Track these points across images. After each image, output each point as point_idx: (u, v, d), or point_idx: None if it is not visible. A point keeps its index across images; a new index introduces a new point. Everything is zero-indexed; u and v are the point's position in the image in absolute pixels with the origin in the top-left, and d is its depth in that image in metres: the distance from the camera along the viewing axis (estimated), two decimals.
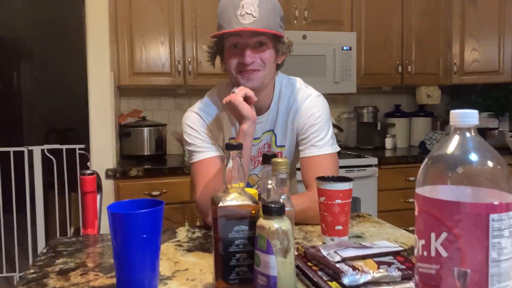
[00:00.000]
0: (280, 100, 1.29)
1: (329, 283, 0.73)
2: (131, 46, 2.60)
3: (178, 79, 2.68)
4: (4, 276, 2.93)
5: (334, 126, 1.29)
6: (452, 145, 0.59)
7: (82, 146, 2.76)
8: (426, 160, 0.62)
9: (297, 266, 0.79)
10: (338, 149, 1.29)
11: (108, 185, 2.32)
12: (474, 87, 3.31)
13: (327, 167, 1.21)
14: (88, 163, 2.48)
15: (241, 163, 0.78)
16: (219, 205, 0.74)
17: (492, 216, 0.54)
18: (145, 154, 2.69)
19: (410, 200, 2.68)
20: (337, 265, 0.75)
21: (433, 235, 0.57)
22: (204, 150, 1.25)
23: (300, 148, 1.28)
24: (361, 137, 3.16)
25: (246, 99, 1.15)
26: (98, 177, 1.21)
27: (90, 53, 2.41)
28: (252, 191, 0.86)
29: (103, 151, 2.42)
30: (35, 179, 2.75)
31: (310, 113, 1.27)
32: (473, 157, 0.58)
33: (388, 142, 3.08)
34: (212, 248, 0.77)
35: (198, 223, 2.33)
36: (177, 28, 2.65)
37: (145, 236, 0.75)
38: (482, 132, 3.08)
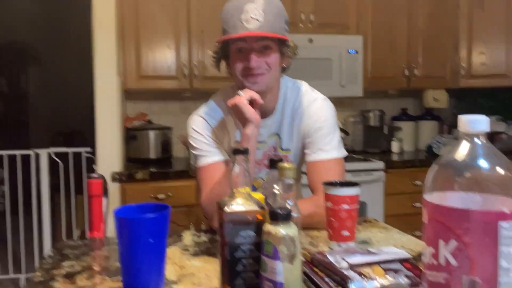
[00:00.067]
0: (286, 103, 1.29)
1: None
2: (137, 50, 2.61)
3: (184, 82, 2.69)
4: (11, 277, 2.95)
5: (340, 129, 1.29)
6: (461, 151, 0.59)
7: (88, 149, 2.77)
8: (434, 165, 0.61)
9: (303, 272, 0.78)
10: (345, 153, 1.28)
11: (114, 188, 2.33)
12: (482, 91, 3.28)
13: (333, 172, 1.20)
14: (94, 166, 2.49)
15: (248, 168, 0.78)
16: (225, 210, 0.74)
17: (502, 224, 0.53)
18: (151, 157, 2.70)
19: (417, 204, 2.66)
20: (344, 271, 0.74)
21: (442, 242, 0.56)
22: (209, 154, 1.25)
23: (306, 151, 1.28)
24: (367, 140, 3.14)
25: (252, 102, 1.15)
26: (105, 180, 1.21)
27: (97, 56, 2.42)
28: (258, 195, 0.86)
29: (109, 154, 2.43)
30: (41, 181, 2.77)
31: (316, 117, 1.26)
32: (483, 163, 0.57)
33: (395, 146, 3.07)
34: (218, 253, 0.77)
35: (203, 227, 2.33)
36: (183, 32, 2.66)
37: (151, 240, 0.75)
38: (490, 136, 3.03)
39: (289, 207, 0.79)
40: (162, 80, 2.67)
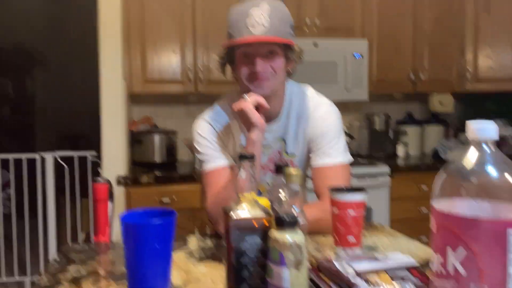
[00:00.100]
0: (291, 108, 1.29)
1: None
2: (143, 54, 2.62)
3: (189, 86, 2.70)
4: (16, 280, 2.96)
5: (345, 133, 1.29)
6: (469, 158, 0.58)
7: (93, 153, 2.78)
8: (442, 173, 0.61)
9: (310, 279, 0.78)
10: (351, 159, 1.28)
11: (119, 192, 2.33)
12: (488, 94, 3.26)
13: (339, 177, 1.20)
14: (100, 170, 2.50)
15: (254, 174, 0.78)
16: (231, 216, 0.74)
17: (511, 231, 0.53)
18: (156, 161, 2.70)
19: (424, 209, 2.64)
20: (351, 278, 0.74)
21: (450, 250, 0.56)
22: (214, 158, 1.26)
23: (312, 156, 1.27)
24: (372, 144, 3.13)
25: (257, 106, 1.15)
26: (111, 185, 1.22)
27: (103, 61, 2.43)
28: (264, 201, 0.86)
29: (114, 158, 2.43)
30: (47, 185, 2.78)
31: (322, 122, 1.26)
32: (491, 171, 0.56)
33: (400, 150, 3.05)
34: (224, 258, 0.77)
35: (208, 231, 2.33)
36: (188, 36, 2.67)
37: (157, 246, 0.75)
38: (496, 140, 3.02)
39: (295, 213, 0.78)
40: (167, 84, 2.68)
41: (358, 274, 0.75)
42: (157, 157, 2.70)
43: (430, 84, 3.04)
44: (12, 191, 2.91)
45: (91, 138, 5.58)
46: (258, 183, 1.25)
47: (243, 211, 0.74)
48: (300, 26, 2.73)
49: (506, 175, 0.56)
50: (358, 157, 2.98)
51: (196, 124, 1.31)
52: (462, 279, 0.54)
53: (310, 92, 1.33)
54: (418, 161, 2.91)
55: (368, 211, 2.48)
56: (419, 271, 0.79)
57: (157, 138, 2.71)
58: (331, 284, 0.77)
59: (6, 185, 3.68)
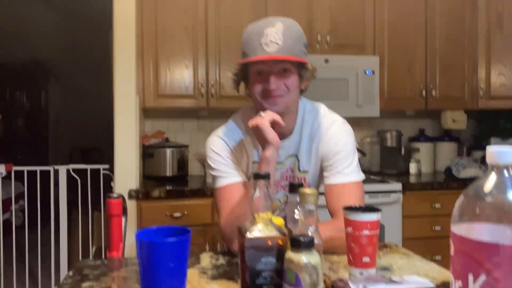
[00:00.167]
0: (304, 125, 1.30)
1: None
2: (156, 69, 2.66)
3: (201, 101, 2.72)
4: None
5: (357, 150, 1.30)
6: (489, 183, 0.58)
7: (106, 166, 2.81)
8: (461, 197, 0.60)
9: None
10: (363, 177, 1.28)
11: (130, 205, 2.34)
12: (502, 112, 3.23)
13: (353, 195, 1.20)
14: (112, 183, 2.52)
15: (269, 193, 0.78)
16: (246, 235, 0.74)
17: None
18: (167, 175, 2.72)
19: (437, 227, 2.60)
20: None
21: (471, 277, 0.55)
22: (227, 175, 1.26)
23: (325, 174, 1.27)
24: (384, 161, 3.11)
25: (272, 124, 1.15)
26: (124, 200, 1.23)
27: (117, 76, 2.47)
28: (279, 220, 0.86)
29: (126, 172, 2.45)
30: (60, 197, 2.81)
31: (335, 140, 1.26)
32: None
33: (413, 167, 3.02)
34: (239, 277, 0.76)
35: (219, 248, 2.32)
36: (201, 52, 2.71)
37: (172, 265, 0.75)
38: None
39: (310, 233, 0.78)
40: (179, 99, 2.70)
41: None
42: (169, 171, 2.72)
43: (442, 101, 3.02)
44: (25, 203, 2.94)
45: (103, 151, 5.66)
46: (272, 202, 1.25)
47: (259, 231, 0.74)
48: (311, 43, 2.75)
49: None
50: (370, 173, 2.96)
51: (209, 140, 1.32)
52: None
53: (323, 109, 1.33)
54: (431, 178, 2.88)
55: (380, 229, 2.45)
56: None
57: (168, 152, 2.73)
58: None
59: (19, 197, 3.73)
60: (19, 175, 2.87)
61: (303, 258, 0.68)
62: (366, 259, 0.96)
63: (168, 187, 2.45)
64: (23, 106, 5.85)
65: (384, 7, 2.93)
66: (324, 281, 0.85)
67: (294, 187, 0.88)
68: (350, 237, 0.97)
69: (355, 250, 0.97)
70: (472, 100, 3.05)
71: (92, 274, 1.01)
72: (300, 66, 1.21)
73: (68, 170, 2.84)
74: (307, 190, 0.81)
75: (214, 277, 0.98)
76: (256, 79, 1.20)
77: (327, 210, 1.24)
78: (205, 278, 0.98)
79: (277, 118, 1.15)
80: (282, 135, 1.25)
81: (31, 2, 5.63)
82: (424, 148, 3.14)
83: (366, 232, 0.95)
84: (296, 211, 0.86)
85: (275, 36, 1.14)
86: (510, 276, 0.52)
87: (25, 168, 2.83)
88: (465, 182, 2.69)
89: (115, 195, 1.19)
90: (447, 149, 3.19)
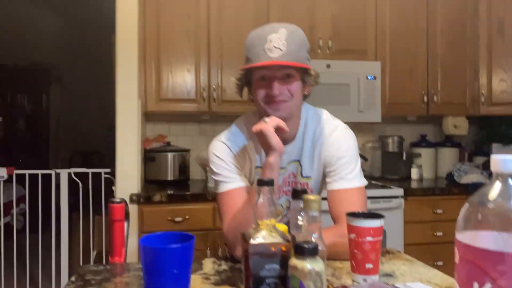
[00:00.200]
0: (306, 131, 1.30)
1: None
2: (158, 73, 2.67)
3: (203, 105, 2.72)
4: None
5: (359, 155, 1.32)
6: (494, 191, 0.58)
7: (107, 170, 2.81)
8: (466, 204, 0.61)
9: None
10: (366, 182, 1.28)
11: (132, 210, 2.34)
12: (503, 118, 3.23)
13: (356, 201, 1.20)
14: (113, 187, 2.52)
15: (273, 199, 0.78)
16: (250, 242, 0.73)
17: None
18: (169, 179, 2.72)
19: (439, 233, 2.60)
20: None
21: (476, 285, 0.55)
22: (230, 180, 1.26)
23: (328, 180, 1.27)
24: (386, 167, 3.11)
25: (276, 129, 1.15)
26: (126, 204, 1.22)
27: (119, 80, 2.47)
28: (283, 227, 0.86)
29: (128, 176, 2.45)
30: (61, 201, 2.81)
31: (338, 145, 1.27)
32: None
33: (414, 173, 3.02)
34: (243, 284, 0.76)
35: (220, 253, 2.32)
36: (203, 56, 2.71)
37: (176, 271, 0.75)
38: None
39: (314, 240, 0.78)
40: (181, 103, 2.71)
41: None
42: (170, 175, 2.72)
43: (443, 107, 3.03)
44: (26, 206, 2.94)
45: (104, 155, 5.66)
46: (277, 209, 1.25)
47: (262, 238, 0.74)
48: (313, 48, 2.76)
49: None
50: (371, 179, 2.96)
51: (212, 145, 1.32)
52: None
53: (326, 115, 1.34)
54: (432, 184, 2.88)
55: (383, 235, 2.45)
56: None
57: (170, 156, 2.73)
58: None
59: (19, 200, 3.72)
60: (19, 178, 2.87)
61: (307, 265, 0.68)
62: (369, 266, 0.96)
63: (169, 192, 2.45)
64: (24, 109, 5.87)
65: (385, 12, 2.94)
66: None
67: (297, 193, 0.89)
68: (353, 243, 0.97)
69: (358, 256, 0.97)
70: (473, 106, 3.06)
71: (95, 280, 1.01)
72: (304, 72, 1.22)
73: (69, 174, 2.84)
74: (311, 197, 0.81)
75: (217, 283, 0.98)
76: (259, 84, 1.21)
77: (329, 215, 1.24)
78: (208, 284, 0.98)
79: (282, 123, 1.15)
80: (285, 141, 1.25)
81: (34, 5, 5.66)
82: (425, 154, 3.14)
83: (369, 238, 0.95)
84: (299, 217, 0.86)
85: (278, 42, 1.15)
86: None
87: (27, 172, 2.83)
88: (467, 188, 2.69)
89: (117, 199, 1.19)
90: (448, 155, 3.19)
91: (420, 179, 3.03)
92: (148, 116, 2.93)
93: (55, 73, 6.02)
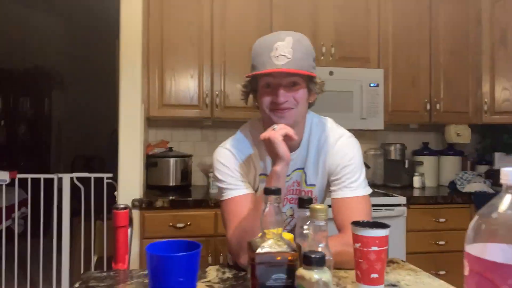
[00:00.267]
0: (311, 139, 1.30)
1: None
2: (161, 79, 2.68)
3: (205, 111, 2.73)
4: None
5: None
6: (504, 204, 0.58)
7: (110, 175, 2.81)
8: (476, 217, 0.60)
9: None
10: (371, 191, 1.28)
11: (133, 215, 2.33)
12: (506, 127, 3.23)
13: (360, 210, 1.19)
14: (115, 193, 2.51)
15: (279, 208, 0.78)
16: (257, 251, 0.73)
17: None
18: (170, 184, 2.71)
19: (441, 242, 2.59)
20: None
21: None
22: (235, 187, 1.25)
23: (332, 188, 1.27)
24: (388, 174, 3.11)
25: (284, 137, 1.15)
26: (130, 210, 1.22)
27: (123, 85, 2.48)
28: (289, 235, 0.85)
29: (130, 181, 2.45)
30: (63, 205, 2.81)
31: (343, 154, 1.26)
32: None
33: (416, 181, 3.02)
34: None
35: (221, 260, 2.30)
36: (206, 62, 2.72)
37: (181, 279, 0.75)
38: None
39: (320, 249, 0.78)
40: (184, 109, 2.71)
41: None
42: (172, 181, 2.72)
43: (446, 115, 3.03)
44: (27, 210, 2.93)
45: (105, 160, 5.67)
46: (284, 218, 1.24)
47: (269, 248, 0.74)
48: (316, 55, 2.72)
49: None
50: (373, 186, 2.95)
51: (216, 152, 1.32)
52: None
53: (330, 123, 1.34)
54: (435, 192, 2.87)
55: None
56: None
57: (172, 162, 2.73)
58: None
59: (20, 204, 3.72)
60: (19, 181, 2.87)
61: (315, 275, 0.67)
62: (374, 275, 0.95)
63: (171, 197, 2.44)
64: (26, 113, 5.87)
65: (388, 20, 2.95)
66: None
67: (303, 202, 0.88)
68: (358, 252, 0.97)
69: (363, 266, 0.96)
70: (476, 114, 3.06)
71: (99, 286, 1.00)
72: (309, 80, 1.22)
73: (71, 178, 2.84)
74: (318, 206, 0.80)
75: None
76: (265, 91, 1.21)
77: (334, 223, 1.23)
78: None
79: (291, 132, 1.14)
80: (289, 149, 1.24)
81: (37, 9, 5.69)
82: (428, 162, 3.14)
83: (374, 248, 0.94)
84: (305, 226, 0.86)
85: (284, 50, 1.15)
86: None
87: (29, 176, 2.83)
88: (469, 197, 2.68)
89: (121, 206, 1.19)
90: (451, 163, 3.19)
91: (422, 187, 3.02)
92: (150, 122, 2.94)
93: (57, 77, 6.03)
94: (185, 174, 2.79)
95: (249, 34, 2.66)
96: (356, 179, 1.24)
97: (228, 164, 1.27)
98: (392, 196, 2.63)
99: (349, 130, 1.33)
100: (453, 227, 2.61)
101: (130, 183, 2.45)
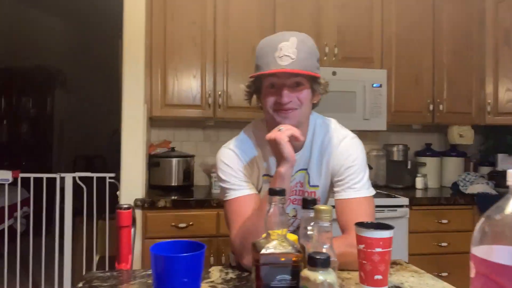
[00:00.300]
0: (314, 139, 1.29)
1: None
2: (164, 79, 2.68)
3: (208, 111, 2.73)
4: None
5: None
6: (510, 206, 0.57)
7: (112, 174, 2.81)
8: (482, 219, 0.60)
9: None
10: (374, 192, 1.27)
11: (136, 215, 2.33)
12: (509, 128, 3.22)
13: (364, 211, 1.19)
14: (118, 192, 2.51)
15: (284, 209, 0.77)
16: (262, 252, 0.73)
17: None
18: (173, 184, 2.72)
19: (444, 244, 2.58)
20: None
21: None
22: (238, 187, 1.25)
23: (336, 189, 1.27)
24: (390, 175, 3.10)
25: (290, 138, 1.14)
26: (133, 210, 1.22)
27: (126, 85, 2.48)
28: (293, 237, 0.85)
29: (133, 181, 2.45)
30: (65, 205, 2.81)
31: (346, 155, 1.26)
32: None
33: (419, 182, 3.01)
34: None
35: (223, 260, 2.30)
36: (209, 62, 2.72)
37: (186, 279, 0.75)
38: None
39: (325, 250, 0.77)
40: (186, 109, 2.71)
41: None
42: (174, 181, 2.72)
43: (449, 116, 3.02)
44: (29, 209, 2.94)
45: (107, 159, 5.68)
46: (288, 219, 1.24)
47: (274, 248, 0.73)
48: (319, 55, 2.76)
49: None
50: (375, 187, 2.93)
51: (220, 153, 1.32)
52: None
53: (334, 124, 1.33)
54: (437, 193, 2.86)
55: None
56: None
57: (174, 162, 2.73)
58: None
59: (22, 203, 3.73)
60: (22, 181, 2.88)
61: (319, 276, 0.67)
62: (378, 277, 0.95)
63: (174, 197, 2.44)
64: (28, 112, 5.88)
65: (391, 20, 2.94)
66: None
67: (307, 203, 0.88)
68: (362, 254, 0.96)
69: (367, 267, 0.96)
70: (479, 115, 3.05)
71: (102, 286, 1.00)
72: (313, 80, 1.22)
73: (74, 178, 2.84)
74: (322, 207, 0.80)
75: None
76: (268, 91, 1.21)
77: (337, 224, 1.23)
78: None
79: (297, 133, 1.14)
80: (293, 149, 1.24)
81: (40, 9, 5.70)
82: (430, 163, 3.13)
83: (378, 249, 0.94)
84: (309, 227, 0.86)
85: (289, 50, 1.15)
86: None
87: (32, 175, 2.84)
88: (472, 198, 2.67)
89: (125, 205, 1.19)
90: (453, 164, 3.18)
91: (425, 189, 3.02)
92: (153, 122, 2.94)
93: (60, 77, 6.04)
94: (187, 174, 2.78)
95: (252, 34, 2.66)
96: (360, 180, 1.23)
97: (232, 165, 1.27)
98: (395, 197, 2.62)
99: (352, 131, 1.33)
100: (455, 229, 2.60)
101: (132, 183, 2.45)
